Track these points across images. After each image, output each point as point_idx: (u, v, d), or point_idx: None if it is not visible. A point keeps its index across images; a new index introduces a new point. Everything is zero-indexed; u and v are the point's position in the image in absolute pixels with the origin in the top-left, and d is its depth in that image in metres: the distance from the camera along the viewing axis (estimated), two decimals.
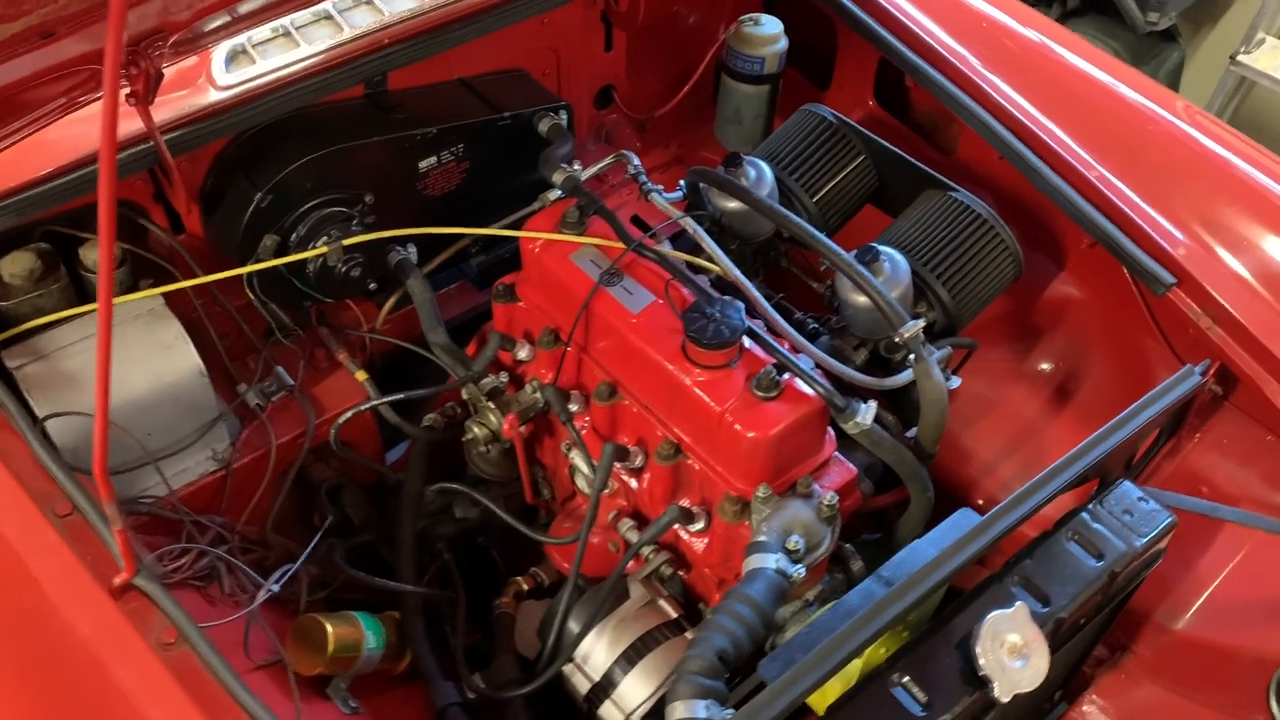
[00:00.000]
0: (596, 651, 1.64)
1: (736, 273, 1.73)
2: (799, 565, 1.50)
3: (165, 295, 1.78)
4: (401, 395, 1.89)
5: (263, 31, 1.88)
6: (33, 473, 1.45)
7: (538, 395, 1.80)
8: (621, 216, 1.80)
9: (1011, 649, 1.34)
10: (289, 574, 1.61)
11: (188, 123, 1.75)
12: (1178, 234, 1.85)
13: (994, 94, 2.03)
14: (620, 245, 1.75)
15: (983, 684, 1.33)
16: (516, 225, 1.84)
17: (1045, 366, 2.13)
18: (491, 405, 1.84)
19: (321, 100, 1.88)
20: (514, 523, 1.83)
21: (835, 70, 2.42)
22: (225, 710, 1.26)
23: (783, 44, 2.29)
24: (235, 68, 1.84)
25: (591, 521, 1.70)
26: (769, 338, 1.63)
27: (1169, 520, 1.53)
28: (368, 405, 1.88)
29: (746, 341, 1.64)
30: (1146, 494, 1.57)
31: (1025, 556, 1.49)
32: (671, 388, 1.65)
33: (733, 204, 1.92)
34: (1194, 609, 1.75)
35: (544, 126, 2.04)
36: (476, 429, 1.85)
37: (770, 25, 2.27)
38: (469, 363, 1.90)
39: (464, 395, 1.88)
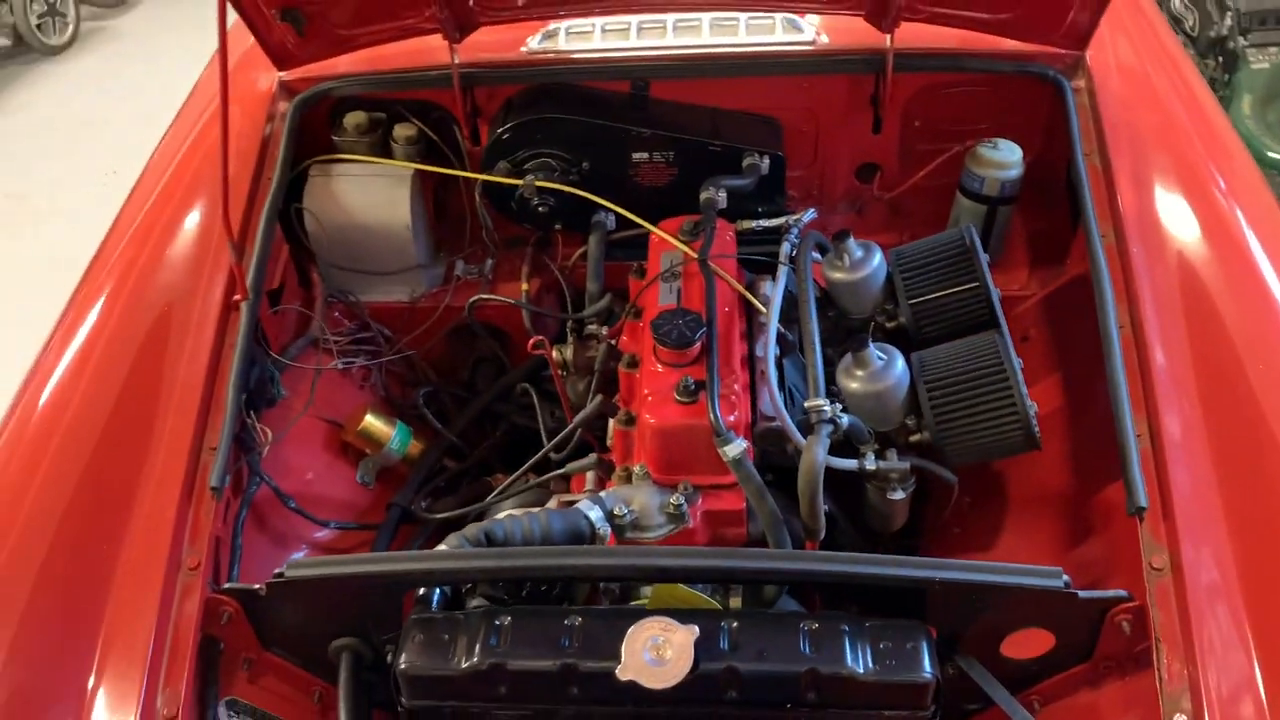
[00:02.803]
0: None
1: (774, 316, 1.99)
2: (608, 526, 1.78)
3: (428, 175, 2.51)
4: (536, 308, 2.43)
5: (578, 23, 2.51)
6: None
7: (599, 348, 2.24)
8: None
9: (653, 647, 1.51)
10: (353, 365, 2.28)
11: (490, 66, 2.45)
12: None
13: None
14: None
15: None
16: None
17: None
18: (571, 340, 2.31)
19: (593, 82, 2.47)
20: (541, 432, 2.29)
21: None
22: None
23: (1012, 173, 2.36)
24: (545, 41, 2.49)
25: (558, 446, 2.12)
26: (714, 362, 1.88)
27: (923, 680, 1.52)
28: (497, 299, 2.45)
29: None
30: (939, 656, 1.56)
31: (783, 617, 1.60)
32: (640, 368, 1.99)
33: (837, 275, 2.14)
34: None
35: (745, 162, 2.41)
36: (556, 354, 2.32)
37: (1006, 153, 2.36)
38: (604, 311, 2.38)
39: (568, 328, 2.37)
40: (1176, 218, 2.08)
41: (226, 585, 1.69)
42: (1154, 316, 1.90)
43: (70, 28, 7.26)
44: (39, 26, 6.97)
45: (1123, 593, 1.60)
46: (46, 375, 1.95)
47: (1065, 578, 1.56)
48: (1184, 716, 1.47)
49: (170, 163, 2.37)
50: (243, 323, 2.02)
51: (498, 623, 1.57)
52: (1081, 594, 1.57)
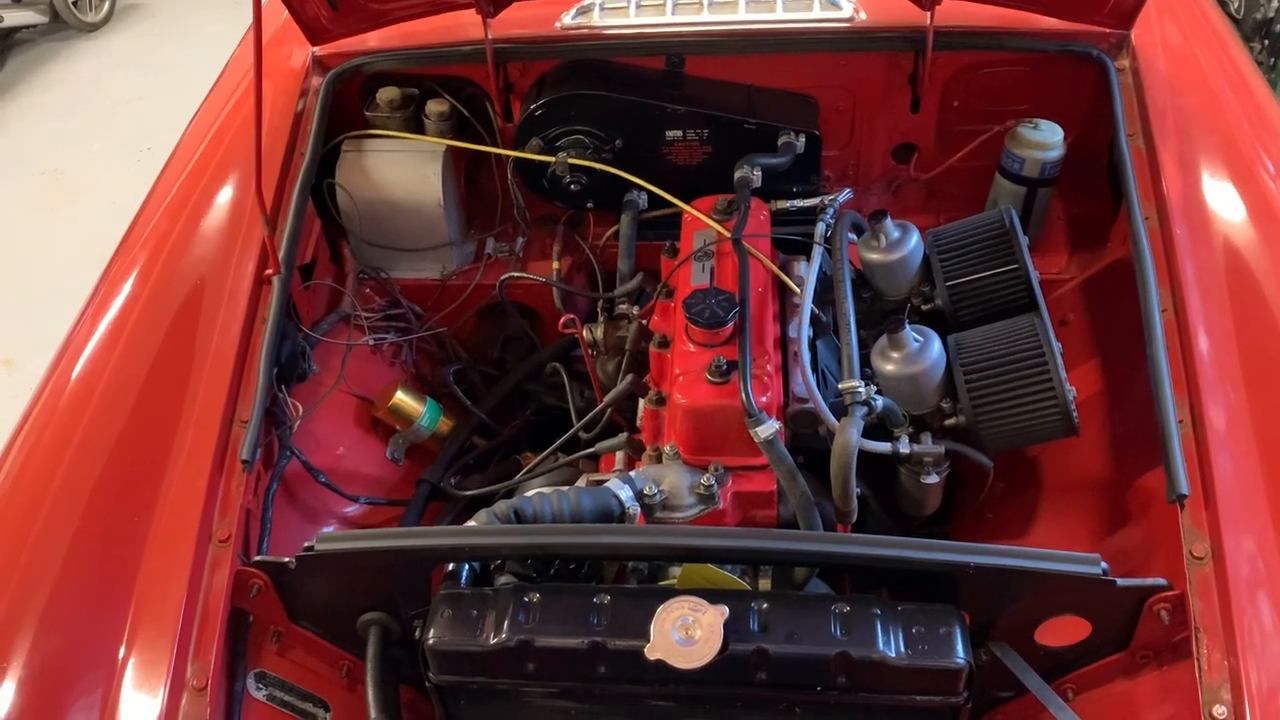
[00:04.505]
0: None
1: (808, 297, 1.96)
2: (637, 505, 1.77)
3: (460, 152, 2.50)
4: (567, 287, 2.42)
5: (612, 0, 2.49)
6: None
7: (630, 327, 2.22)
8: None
9: (682, 626, 1.50)
10: (384, 341, 2.28)
11: (524, 42, 2.43)
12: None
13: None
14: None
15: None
16: None
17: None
18: (601, 319, 2.29)
19: (627, 59, 2.45)
20: (571, 411, 2.28)
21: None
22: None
23: (1052, 154, 2.32)
24: (579, 17, 2.47)
25: (588, 425, 2.10)
26: (747, 343, 1.85)
27: (956, 665, 1.49)
28: (528, 277, 2.43)
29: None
30: (972, 641, 1.53)
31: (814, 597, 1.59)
32: (672, 347, 1.97)
33: (873, 256, 2.11)
34: None
35: (780, 140, 2.38)
36: (587, 333, 2.31)
37: (1047, 133, 2.31)
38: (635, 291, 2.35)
39: (599, 307, 2.35)
40: (1222, 200, 2.03)
41: (256, 558, 1.69)
42: (1198, 300, 1.86)
43: (106, 5, 7.30)
44: (75, 4, 7.01)
45: (1162, 581, 1.57)
46: (80, 348, 1.95)
47: (1103, 565, 1.53)
48: (1223, 708, 1.44)
49: (204, 138, 2.37)
50: (274, 297, 2.01)
51: (526, 599, 1.56)
52: (1120, 582, 1.54)
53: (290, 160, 2.27)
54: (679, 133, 2.41)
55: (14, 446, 1.81)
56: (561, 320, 2.18)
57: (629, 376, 2.10)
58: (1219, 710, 1.44)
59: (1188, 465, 1.66)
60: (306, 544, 1.61)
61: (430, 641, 1.55)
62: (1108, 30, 2.31)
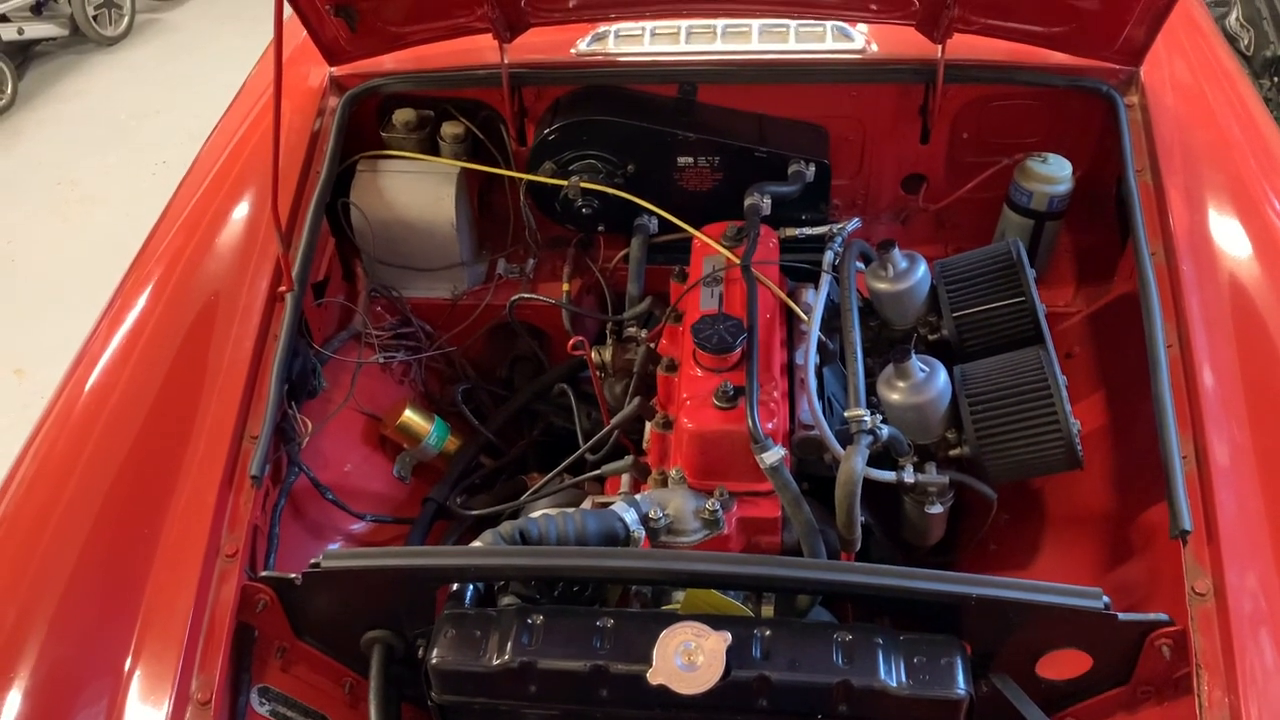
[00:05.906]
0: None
1: (815, 324, 1.98)
2: (642, 529, 1.78)
3: (474, 174, 2.52)
4: (576, 309, 2.43)
5: (628, 27, 2.52)
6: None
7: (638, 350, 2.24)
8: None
9: (685, 652, 1.51)
10: (394, 360, 2.29)
11: (539, 67, 2.46)
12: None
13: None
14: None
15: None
16: None
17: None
18: (610, 342, 2.31)
19: (641, 86, 2.48)
20: (578, 432, 2.29)
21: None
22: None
23: (1060, 188, 2.33)
24: (594, 43, 2.50)
25: (594, 447, 2.11)
26: (754, 369, 1.87)
27: (957, 696, 1.50)
28: (538, 298, 2.45)
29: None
30: (972, 672, 1.54)
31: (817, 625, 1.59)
32: (679, 372, 1.99)
33: (881, 285, 2.12)
34: None
35: (790, 169, 2.40)
36: (595, 355, 2.32)
37: (1056, 167, 2.33)
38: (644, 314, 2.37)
39: (607, 330, 2.37)
40: (1229, 236, 2.05)
41: (263, 574, 1.71)
42: (1203, 336, 1.87)
43: (125, 19, 7.37)
44: (95, 18, 7.08)
45: (1163, 616, 1.57)
46: (93, 360, 1.97)
47: (1105, 599, 1.54)
48: None
49: (221, 154, 2.40)
50: (287, 314, 2.03)
51: (530, 621, 1.56)
52: (1121, 616, 1.55)
53: (306, 179, 2.30)
54: (690, 159, 2.44)
55: (26, 456, 1.83)
56: (570, 342, 2.19)
57: (636, 399, 2.11)
58: None
59: (1191, 501, 1.67)
60: (312, 560, 1.63)
61: (433, 661, 1.56)
62: (1117, 67, 2.34)
